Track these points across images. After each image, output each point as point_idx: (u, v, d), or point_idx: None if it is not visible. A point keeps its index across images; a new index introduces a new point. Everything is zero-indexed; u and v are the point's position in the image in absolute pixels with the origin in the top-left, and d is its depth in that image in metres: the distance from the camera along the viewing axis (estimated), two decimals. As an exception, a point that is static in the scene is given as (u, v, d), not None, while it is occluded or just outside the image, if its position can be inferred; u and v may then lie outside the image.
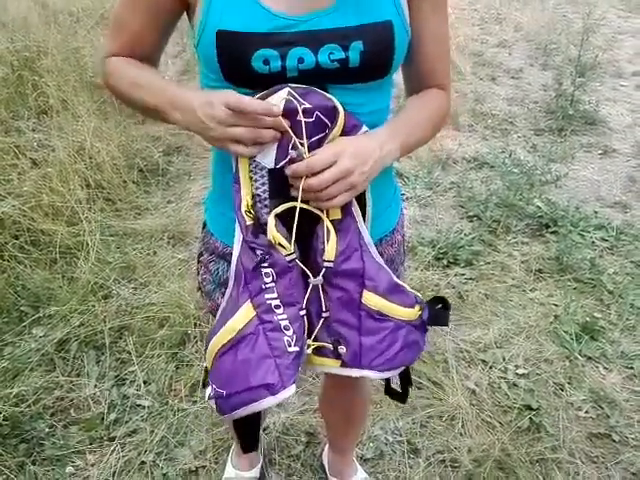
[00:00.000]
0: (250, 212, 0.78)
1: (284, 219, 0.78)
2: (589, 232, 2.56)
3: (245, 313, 0.80)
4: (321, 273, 0.81)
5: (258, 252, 0.78)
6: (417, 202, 2.78)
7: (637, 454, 1.61)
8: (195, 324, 1.93)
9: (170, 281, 2.13)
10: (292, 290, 0.81)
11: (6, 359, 1.79)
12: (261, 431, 1.60)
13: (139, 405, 1.71)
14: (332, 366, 0.88)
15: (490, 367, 1.89)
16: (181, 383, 1.77)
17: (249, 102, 0.71)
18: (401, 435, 1.66)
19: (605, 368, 1.90)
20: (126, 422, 1.65)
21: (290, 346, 0.80)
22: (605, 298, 2.19)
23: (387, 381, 0.98)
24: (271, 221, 0.77)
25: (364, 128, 0.77)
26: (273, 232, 0.77)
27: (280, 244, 0.77)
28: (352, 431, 1.45)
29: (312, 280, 0.81)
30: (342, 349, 0.85)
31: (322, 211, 0.79)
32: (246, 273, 0.80)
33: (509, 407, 1.74)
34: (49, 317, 1.94)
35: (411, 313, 0.87)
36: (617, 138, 3.53)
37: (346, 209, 0.80)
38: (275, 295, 0.79)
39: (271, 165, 0.76)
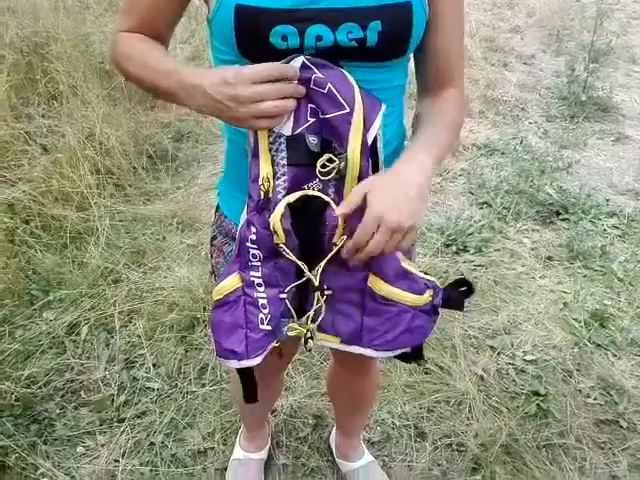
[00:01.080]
0: (268, 180, 0.78)
1: (294, 208, 0.78)
2: (600, 219, 2.54)
3: (233, 281, 0.85)
4: (319, 268, 0.80)
5: (252, 229, 0.80)
6: (426, 189, 2.77)
7: (645, 441, 1.61)
8: (204, 308, 1.95)
9: (179, 266, 2.15)
10: (275, 273, 0.83)
11: (17, 341, 1.81)
12: (269, 414, 1.61)
13: (148, 387, 1.73)
14: (332, 342, 0.90)
15: (498, 353, 1.88)
16: (190, 366, 1.79)
17: (273, 67, 0.70)
18: (408, 419, 1.67)
19: (614, 355, 1.89)
20: (135, 404, 1.67)
21: (263, 324, 0.85)
22: (615, 286, 2.17)
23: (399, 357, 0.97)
24: (280, 207, 0.77)
25: (383, 106, 0.76)
26: (276, 219, 0.77)
27: (275, 231, 0.77)
28: (360, 415, 1.46)
29: (307, 274, 0.81)
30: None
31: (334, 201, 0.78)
32: (240, 245, 0.82)
33: (517, 393, 1.74)
34: (60, 301, 1.96)
35: (419, 299, 0.86)
36: (630, 125, 3.49)
37: None
38: (259, 274, 0.83)
39: (289, 132, 0.75)
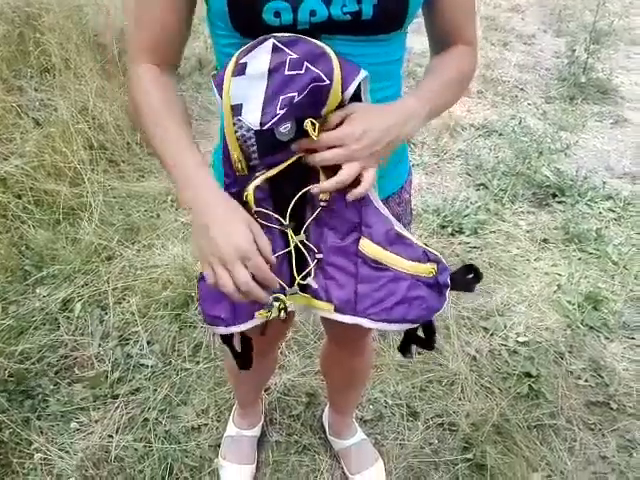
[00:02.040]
0: (240, 161, 0.77)
1: (274, 183, 0.78)
2: (596, 202, 2.53)
3: None
4: (303, 228, 0.82)
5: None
6: (423, 169, 2.75)
7: (634, 422, 1.63)
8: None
9: (173, 244, 2.13)
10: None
11: (11, 317, 1.81)
12: (262, 391, 1.62)
13: (142, 364, 1.73)
14: (325, 309, 0.87)
15: (491, 334, 1.89)
16: (184, 344, 1.79)
17: (266, 274, 0.72)
18: (400, 399, 1.68)
19: (606, 338, 1.90)
20: (129, 381, 1.68)
21: None
22: (609, 269, 2.18)
23: (404, 339, 0.95)
24: (256, 182, 0.77)
25: (362, 73, 0.73)
26: (249, 190, 0.77)
27: (247, 201, 0.78)
28: (353, 393, 1.47)
29: (296, 238, 0.82)
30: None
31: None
32: None
33: (509, 374, 1.75)
34: (53, 277, 1.95)
35: (419, 268, 0.83)
36: (629, 108, 3.47)
37: None
38: None
39: (256, 125, 0.72)
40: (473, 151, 2.89)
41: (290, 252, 0.83)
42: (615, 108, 3.43)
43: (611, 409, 1.67)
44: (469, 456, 1.52)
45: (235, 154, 0.76)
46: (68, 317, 1.84)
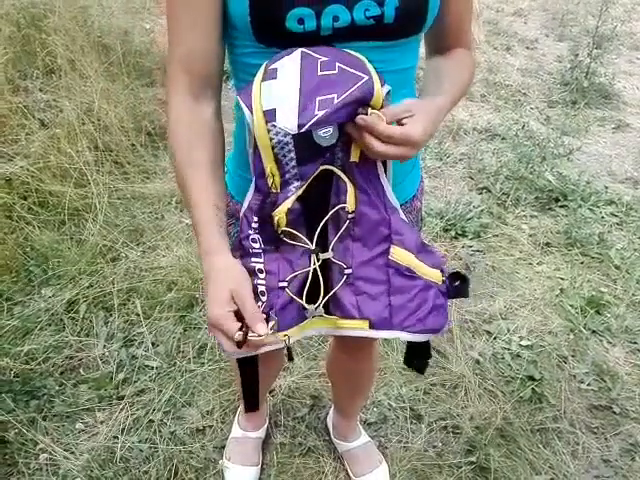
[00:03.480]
0: (273, 175, 0.74)
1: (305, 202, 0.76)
2: (599, 207, 2.54)
3: None
4: (331, 245, 0.79)
5: (254, 218, 0.77)
6: (426, 173, 2.76)
7: (636, 426, 1.64)
8: (203, 288, 1.95)
9: (178, 245, 2.14)
10: (278, 261, 0.78)
11: (16, 318, 1.81)
12: (267, 394, 1.63)
13: (147, 366, 1.73)
14: (358, 328, 0.82)
15: (494, 338, 1.90)
16: (189, 345, 1.80)
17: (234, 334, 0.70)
18: (404, 401, 1.69)
19: (609, 342, 1.91)
20: (134, 382, 1.68)
21: None
22: (612, 273, 2.19)
23: (408, 350, 0.92)
24: (287, 203, 0.75)
25: (387, 87, 0.73)
26: (282, 212, 0.75)
27: (278, 224, 0.75)
28: (359, 396, 1.47)
29: (322, 255, 0.79)
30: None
31: (344, 171, 0.76)
32: (242, 232, 0.79)
33: (512, 377, 1.76)
34: (58, 278, 1.95)
35: (438, 275, 0.82)
36: (632, 112, 3.48)
37: (368, 167, 0.77)
38: (261, 260, 0.78)
39: (294, 129, 0.69)
40: (476, 155, 2.90)
41: (315, 272, 0.79)
42: (617, 113, 3.44)
43: (614, 413, 1.67)
44: (473, 459, 1.53)
45: (269, 167, 0.73)
46: (73, 318, 1.85)
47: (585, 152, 3.03)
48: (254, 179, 0.76)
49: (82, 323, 1.84)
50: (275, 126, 0.70)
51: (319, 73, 0.70)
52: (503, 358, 1.83)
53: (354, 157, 0.75)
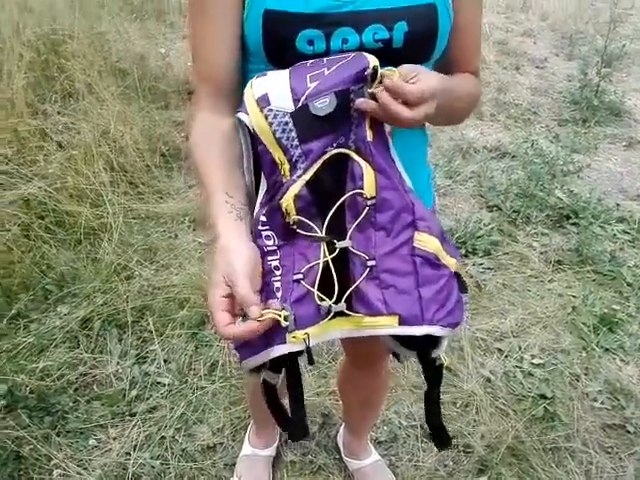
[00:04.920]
0: (282, 163, 0.71)
1: (313, 188, 0.72)
2: (610, 224, 2.54)
3: None
4: (349, 233, 0.72)
5: (262, 211, 0.75)
6: (437, 191, 2.78)
7: (652, 446, 1.62)
8: None
9: (190, 264, 2.17)
10: (293, 255, 0.74)
11: (32, 335, 1.85)
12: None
13: (159, 383, 1.75)
14: (387, 325, 0.73)
15: (506, 356, 1.89)
16: (200, 362, 1.81)
17: (222, 327, 0.67)
18: (415, 420, 1.68)
19: (622, 360, 1.89)
20: (147, 399, 1.70)
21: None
22: (624, 291, 2.18)
23: (434, 431, 0.86)
24: (294, 187, 0.72)
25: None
26: (289, 199, 0.71)
27: (287, 212, 0.72)
28: (370, 415, 1.47)
29: (339, 244, 0.72)
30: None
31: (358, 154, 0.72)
32: (255, 232, 0.75)
33: (524, 396, 1.75)
34: (73, 296, 1.99)
35: (456, 266, 0.77)
36: (642, 130, 3.48)
37: (384, 156, 0.74)
38: (277, 257, 0.74)
39: (291, 108, 0.69)
40: (486, 173, 2.92)
41: (328, 265, 0.73)
42: (628, 130, 3.44)
43: (628, 432, 1.65)
44: (484, 478, 1.51)
45: (277, 155, 0.72)
46: (88, 335, 1.88)
47: (596, 169, 3.03)
48: (264, 178, 0.75)
49: (96, 340, 1.87)
50: (272, 110, 0.70)
51: (307, 66, 0.72)
52: (515, 376, 1.82)
53: (369, 136, 0.72)
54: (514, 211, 2.60)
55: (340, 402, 1.59)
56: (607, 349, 1.92)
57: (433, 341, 0.77)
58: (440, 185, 2.82)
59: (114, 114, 2.70)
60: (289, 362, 0.77)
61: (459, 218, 2.57)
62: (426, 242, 0.73)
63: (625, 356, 1.90)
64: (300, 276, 0.72)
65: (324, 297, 0.72)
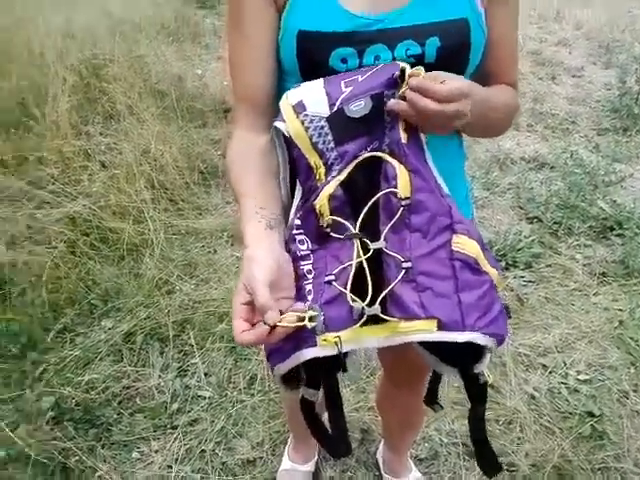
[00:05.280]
0: (318, 168, 0.73)
1: (348, 188, 0.73)
2: (657, 235, 2.45)
3: None
4: (383, 234, 0.71)
5: (297, 215, 0.75)
6: (474, 203, 2.75)
7: None
8: None
9: (229, 278, 2.20)
10: (326, 259, 0.72)
11: (78, 348, 1.90)
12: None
13: (200, 396, 1.77)
14: (424, 330, 0.68)
15: (550, 372, 1.84)
16: (239, 376, 1.83)
17: (237, 334, 0.65)
18: (456, 437, 1.65)
19: (674, 376, 1.81)
20: (188, 412, 1.72)
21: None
22: (674, 304, 2.09)
23: (480, 452, 0.82)
24: (329, 188, 0.72)
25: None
26: (323, 199, 0.72)
27: (321, 213, 0.72)
28: (409, 433, 1.45)
29: (373, 245, 0.70)
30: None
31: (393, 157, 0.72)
32: (289, 238, 0.75)
33: (570, 413, 1.70)
34: (117, 310, 2.04)
35: (499, 278, 0.73)
36: (687, 137, 3.36)
37: (419, 159, 0.74)
38: (310, 261, 0.73)
39: (326, 112, 0.71)
40: (524, 184, 2.87)
41: (362, 267, 0.70)
42: (672, 138, 3.34)
43: (683, 453, 1.58)
44: (530, 498, 1.47)
45: (312, 160, 0.74)
46: (131, 349, 1.92)
47: (639, 179, 2.94)
48: (299, 185, 0.76)
49: (139, 354, 1.91)
50: (307, 115, 0.72)
51: (341, 74, 0.74)
52: (560, 393, 1.77)
53: (403, 138, 0.72)
54: (555, 222, 2.54)
55: (379, 418, 1.57)
56: (657, 365, 1.85)
57: (475, 356, 0.73)
58: (478, 197, 2.78)
59: (154, 134, 2.79)
60: (327, 377, 0.76)
61: (498, 230, 2.52)
62: (465, 245, 0.70)
63: (677, 372, 1.82)
64: (332, 277, 0.70)
65: (356, 299, 0.69)
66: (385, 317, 0.69)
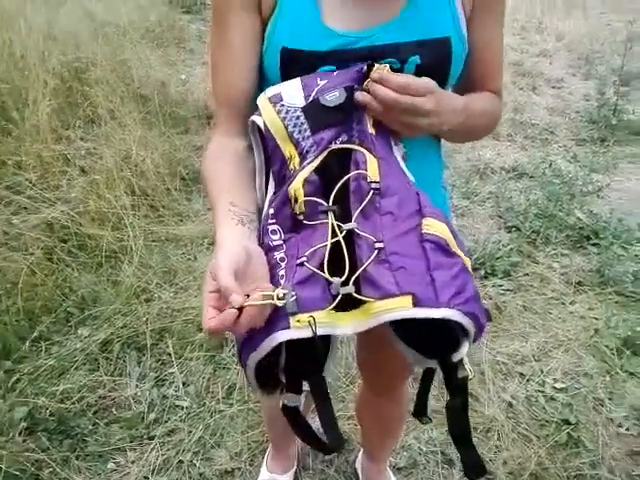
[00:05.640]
0: (291, 157, 0.74)
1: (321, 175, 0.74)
2: (632, 245, 2.50)
3: None
4: (354, 216, 0.71)
5: (271, 205, 0.75)
6: (454, 212, 2.77)
7: (682, 474, 1.56)
8: None
9: (209, 286, 2.18)
10: (297, 245, 0.72)
11: (53, 357, 1.87)
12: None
13: (178, 406, 1.75)
14: (400, 307, 0.65)
15: (527, 380, 1.86)
16: (218, 385, 1.81)
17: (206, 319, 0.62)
18: (435, 445, 1.66)
19: (648, 385, 1.84)
20: (165, 422, 1.70)
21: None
22: (649, 313, 2.13)
23: (462, 451, 0.76)
24: (303, 173, 0.73)
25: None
26: (298, 185, 0.73)
27: (295, 199, 0.73)
28: (389, 441, 1.46)
29: (345, 225, 0.71)
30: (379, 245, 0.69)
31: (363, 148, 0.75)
32: (262, 230, 0.75)
33: (546, 421, 1.71)
34: (94, 318, 2.02)
35: (469, 264, 0.74)
36: (663, 149, 3.44)
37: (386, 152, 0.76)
38: (282, 250, 0.72)
39: (302, 103, 0.74)
40: (504, 193, 2.91)
41: (337, 246, 0.69)
42: (648, 149, 3.41)
43: (656, 460, 1.60)
44: (507, 507, 1.48)
45: (287, 150, 0.75)
46: (107, 358, 1.89)
47: (616, 189, 2.99)
48: (272, 174, 0.77)
49: (116, 363, 1.88)
50: (284, 105, 0.74)
51: (317, 74, 0.76)
52: (537, 401, 1.79)
53: (371, 130, 0.76)
54: (533, 232, 2.58)
55: (358, 427, 1.57)
56: (632, 373, 1.88)
57: (453, 345, 0.70)
58: (458, 206, 2.81)
59: (136, 139, 2.76)
60: (313, 374, 0.74)
61: (477, 239, 2.55)
62: (434, 226, 0.70)
63: (651, 380, 1.85)
64: (304, 259, 0.69)
65: (329, 278, 0.67)
66: (360, 297, 0.67)
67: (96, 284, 2.14)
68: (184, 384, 1.82)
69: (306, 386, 0.76)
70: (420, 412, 0.81)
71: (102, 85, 3.18)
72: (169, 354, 1.90)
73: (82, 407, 1.73)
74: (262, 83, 0.83)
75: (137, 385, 1.81)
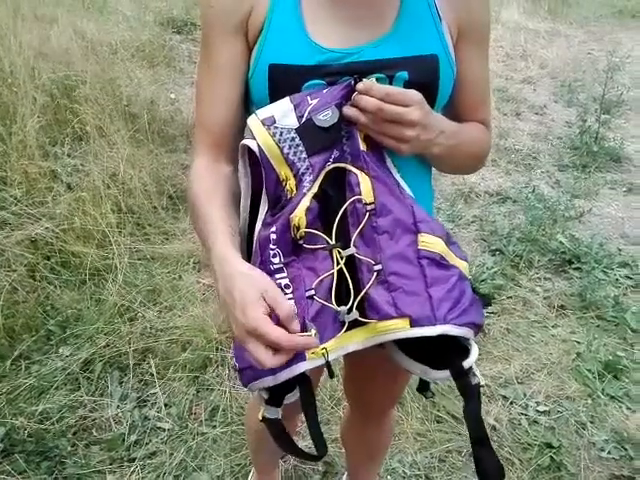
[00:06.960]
0: (287, 179, 0.74)
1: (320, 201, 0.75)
2: (613, 269, 2.54)
3: None
4: (352, 240, 0.74)
5: (271, 229, 0.75)
6: (439, 234, 2.80)
7: (662, 499, 1.57)
8: (217, 348, 1.97)
9: (194, 305, 2.18)
10: (301, 272, 0.74)
11: (33, 377, 1.84)
12: (279, 459, 1.60)
13: (159, 427, 1.73)
14: (399, 328, 0.72)
15: (511, 403, 1.87)
16: (201, 407, 1.80)
17: (287, 339, 0.62)
18: (419, 469, 1.65)
19: (628, 408, 1.86)
20: (146, 444, 1.68)
21: None
22: (628, 337, 2.16)
23: (480, 455, 0.79)
24: (305, 201, 0.74)
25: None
26: (301, 213, 0.73)
27: (297, 226, 0.74)
28: (374, 464, 1.45)
29: (344, 252, 0.74)
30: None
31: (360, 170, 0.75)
32: (260, 249, 0.75)
33: (529, 444, 1.72)
34: (76, 337, 1.99)
35: (466, 268, 0.77)
36: (642, 176, 3.52)
37: (380, 167, 0.77)
38: (284, 274, 0.74)
39: (295, 124, 0.74)
40: (488, 217, 2.95)
41: (341, 273, 0.73)
42: (628, 176, 3.49)
43: (637, 485, 1.62)
44: (490, 532, 1.47)
45: (282, 172, 0.75)
46: (88, 377, 1.87)
47: (597, 215, 3.05)
48: (264, 195, 0.77)
49: (97, 383, 1.86)
50: (277, 128, 0.74)
51: (307, 95, 0.76)
52: (520, 424, 1.80)
53: (362, 146, 0.76)
54: (516, 255, 2.61)
55: (343, 450, 1.56)
56: (613, 397, 1.90)
57: (460, 353, 0.75)
58: (443, 229, 2.84)
59: (124, 157, 2.76)
60: (302, 383, 0.77)
61: (462, 262, 2.57)
62: (429, 242, 0.74)
63: (632, 404, 1.87)
64: (312, 292, 0.73)
65: (339, 308, 0.73)
66: (364, 320, 0.73)
67: (79, 302, 2.11)
68: (166, 405, 1.80)
69: (287, 400, 0.79)
70: (423, 387, 0.87)
71: (91, 103, 3.18)
72: (152, 374, 1.88)
73: (61, 428, 1.70)
74: (250, 107, 0.85)
75: (118, 406, 1.79)
